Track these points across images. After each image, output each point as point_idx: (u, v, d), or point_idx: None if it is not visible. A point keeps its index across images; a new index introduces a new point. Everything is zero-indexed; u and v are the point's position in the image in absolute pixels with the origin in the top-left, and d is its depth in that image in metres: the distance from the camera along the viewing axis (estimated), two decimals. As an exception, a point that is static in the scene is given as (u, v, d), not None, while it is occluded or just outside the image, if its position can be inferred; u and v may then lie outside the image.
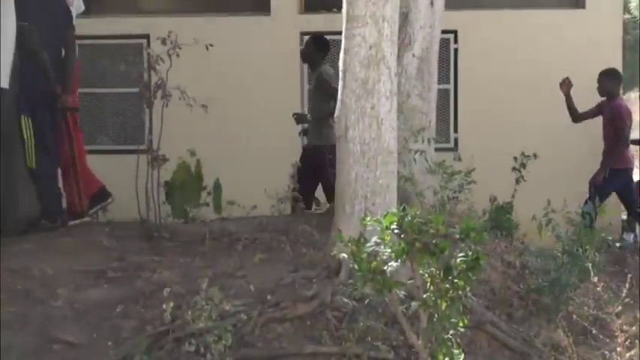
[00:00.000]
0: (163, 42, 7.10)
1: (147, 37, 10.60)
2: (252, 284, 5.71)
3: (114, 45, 11.64)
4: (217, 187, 8.46)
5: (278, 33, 11.29)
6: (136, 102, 10.60)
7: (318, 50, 9.51)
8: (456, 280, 4.37)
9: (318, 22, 11.14)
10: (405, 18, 7.21)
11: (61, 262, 6.19)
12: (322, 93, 9.16)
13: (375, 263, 4.49)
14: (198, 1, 12.11)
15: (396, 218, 4.43)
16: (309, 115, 9.90)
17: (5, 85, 7.18)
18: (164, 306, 5.15)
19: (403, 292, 4.77)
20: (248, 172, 10.55)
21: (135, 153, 7.34)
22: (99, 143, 11.61)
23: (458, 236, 4.45)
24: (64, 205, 7.84)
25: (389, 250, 4.41)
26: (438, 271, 4.38)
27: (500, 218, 7.74)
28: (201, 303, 5.08)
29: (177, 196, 8.15)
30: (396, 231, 4.40)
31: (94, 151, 10.17)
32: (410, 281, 4.50)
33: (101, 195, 8.08)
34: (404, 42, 7.22)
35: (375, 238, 4.49)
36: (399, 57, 6.88)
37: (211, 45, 7.62)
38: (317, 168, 9.14)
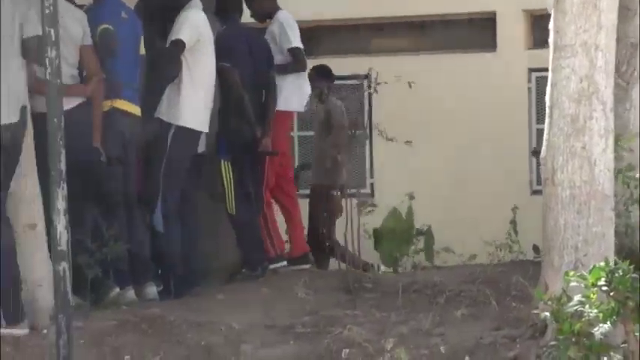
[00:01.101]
0: (359, 79, 6.92)
1: (368, 77, 10.21)
2: (448, 343, 5.20)
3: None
4: (429, 234, 8.21)
5: (504, 70, 11.02)
6: (356, 144, 10.68)
7: (323, 80, 8.85)
8: (680, 344, 3.94)
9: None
10: (634, 48, 6.67)
11: (250, 315, 6.02)
12: (328, 129, 8.74)
13: (579, 324, 3.96)
14: (421, 40, 12.03)
15: (604, 273, 3.88)
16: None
17: (205, 128, 7.05)
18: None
19: (618, 357, 4.20)
20: (466, 218, 10.30)
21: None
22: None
23: (680, 294, 3.94)
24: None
25: (595, 310, 3.89)
26: (656, 334, 3.98)
27: None
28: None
29: (386, 244, 7.92)
30: (604, 288, 3.90)
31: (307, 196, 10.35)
32: (623, 345, 3.95)
33: (302, 259, 7.92)
34: (632, 75, 6.63)
35: (578, 296, 3.97)
36: (627, 91, 6.30)
37: (413, 82, 7.18)
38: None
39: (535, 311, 4.73)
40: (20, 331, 5.28)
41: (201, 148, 7.28)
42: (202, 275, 7.25)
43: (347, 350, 5.01)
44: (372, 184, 11.64)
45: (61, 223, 4.48)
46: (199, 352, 5.45)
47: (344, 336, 5.47)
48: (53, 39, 4.56)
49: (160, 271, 6.99)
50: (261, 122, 7.39)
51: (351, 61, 11.54)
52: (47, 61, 4.55)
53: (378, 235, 8.29)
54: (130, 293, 6.43)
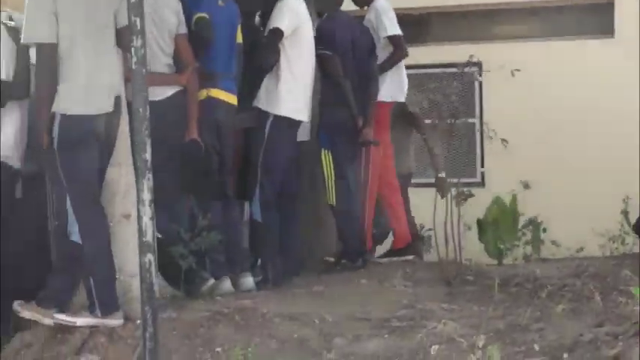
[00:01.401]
0: (459, 67, 6.81)
1: (479, 64, 9.87)
2: (546, 340, 4.96)
3: (441, 74, 11.04)
4: (536, 225, 8.06)
5: (623, 56, 10.54)
6: (465, 134, 10.57)
7: None
8: None
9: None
10: None
11: (346, 308, 5.94)
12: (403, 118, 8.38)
13: (684, 324, 3.85)
14: (533, 26, 11.77)
15: None
16: None
17: (305, 118, 7.07)
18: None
19: None
20: (577, 209, 9.96)
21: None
22: (427, 176, 11.15)
23: None
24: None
25: None
26: None
27: None
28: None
29: (490, 234, 7.75)
30: None
31: (422, 185, 9.94)
32: None
33: (406, 250, 7.83)
34: None
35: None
36: None
37: (517, 70, 6.91)
38: None
39: (635, 308, 4.56)
40: (115, 321, 5.33)
41: (304, 136, 7.33)
42: (301, 266, 7.30)
43: (436, 346, 4.86)
44: (482, 174, 11.57)
45: (146, 215, 4.51)
46: (291, 345, 5.40)
47: (438, 330, 5.33)
48: (138, 27, 4.59)
49: (258, 262, 7.08)
50: (363, 112, 7.32)
51: (461, 49, 11.15)
52: (133, 50, 4.53)
53: (482, 226, 8.28)
54: (226, 284, 6.46)
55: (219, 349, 5.34)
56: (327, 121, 7.38)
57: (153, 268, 4.54)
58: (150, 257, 4.49)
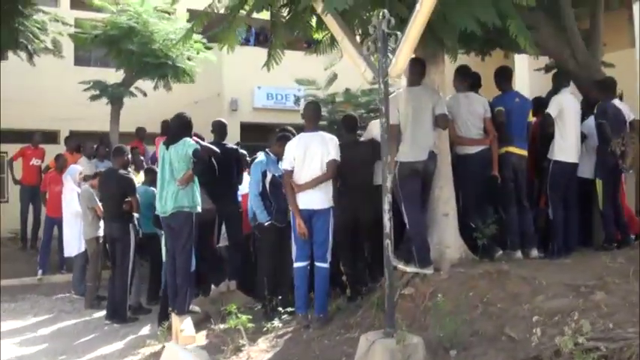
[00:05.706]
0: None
1: None
2: None
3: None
4: None
5: None
6: None
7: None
8: None
9: None
10: None
11: (561, 276, 6.18)
12: None
13: None
14: None
15: None
16: None
17: (576, 160, 8.08)
18: (535, 330, 5.19)
19: None
20: None
21: None
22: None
23: None
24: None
25: None
26: None
27: None
28: (568, 332, 4.70)
29: None
30: None
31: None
32: None
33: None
34: None
35: None
36: None
37: None
38: None
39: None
40: (427, 271, 6.50)
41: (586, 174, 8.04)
42: (577, 245, 7.82)
43: (537, 318, 5.36)
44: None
45: (387, 216, 5.52)
46: (509, 295, 6.12)
47: (598, 297, 5.60)
48: (384, 111, 5.63)
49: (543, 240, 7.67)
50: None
51: None
52: (383, 125, 5.67)
53: None
54: (517, 254, 7.29)
55: (471, 294, 6.20)
56: (602, 163, 8.20)
57: (389, 248, 5.53)
58: (387, 241, 5.47)
